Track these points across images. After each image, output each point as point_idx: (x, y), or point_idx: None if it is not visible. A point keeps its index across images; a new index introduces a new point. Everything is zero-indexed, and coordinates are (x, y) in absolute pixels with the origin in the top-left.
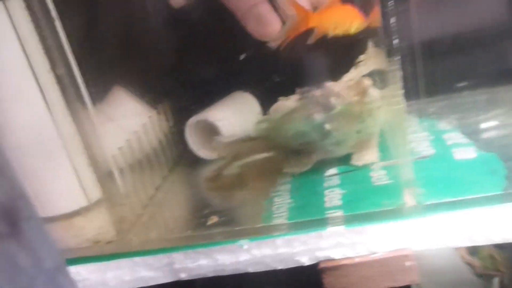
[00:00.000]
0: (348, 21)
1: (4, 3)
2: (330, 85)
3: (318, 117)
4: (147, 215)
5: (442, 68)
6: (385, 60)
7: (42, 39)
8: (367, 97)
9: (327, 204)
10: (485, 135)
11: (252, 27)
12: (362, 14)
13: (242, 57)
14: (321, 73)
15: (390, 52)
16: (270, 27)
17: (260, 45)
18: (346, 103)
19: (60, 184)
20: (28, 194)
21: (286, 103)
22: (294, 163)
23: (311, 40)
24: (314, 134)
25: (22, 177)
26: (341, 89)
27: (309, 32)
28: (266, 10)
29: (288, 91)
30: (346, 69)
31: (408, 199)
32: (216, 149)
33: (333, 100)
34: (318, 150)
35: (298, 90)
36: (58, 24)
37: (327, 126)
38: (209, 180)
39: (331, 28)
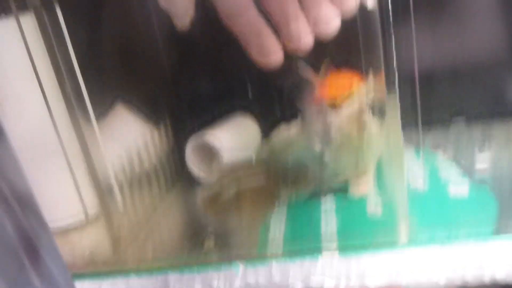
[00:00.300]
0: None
1: (17, 18)
2: (331, 116)
3: (318, 147)
4: (144, 234)
5: (439, 100)
6: (384, 91)
7: (52, 56)
8: (366, 130)
9: (323, 233)
10: (479, 170)
11: (255, 56)
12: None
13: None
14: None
15: (389, 83)
16: (272, 58)
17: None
18: (345, 135)
19: (59, 197)
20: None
21: (287, 132)
22: (291, 190)
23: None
24: (313, 164)
25: None
26: (341, 120)
27: None
28: (269, 40)
29: (288, 117)
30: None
31: (403, 231)
32: (215, 172)
33: (333, 131)
34: (316, 179)
35: (299, 119)
36: (68, 43)
37: (326, 156)
38: (206, 202)
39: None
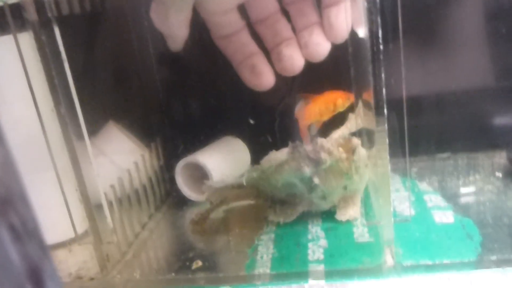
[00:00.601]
0: (331, 104)
1: (15, 36)
2: (321, 141)
3: (308, 170)
4: (132, 253)
5: (425, 130)
6: (373, 120)
7: (48, 74)
8: (356, 155)
9: (310, 257)
10: (463, 200)
11: (246, 78)
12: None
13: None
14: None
15: (378, 112)
16: (264, 79)
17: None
18: (335, 159)
19: (48, 215)
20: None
21: (278, 155)
22: (279, 212)
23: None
24: (302, 187)
25: None
26: (331, 145)
27: None
28: (260, 61)
29: (278, 141)
30: (335, 126)
31: (388, 258)
32: (205, 193)
33: (323, 155)
34: (304, 202)
35: (290, 143)
36: (66, 66)
37: (316, 180)
38: (194, 223)
39: (319, 118)
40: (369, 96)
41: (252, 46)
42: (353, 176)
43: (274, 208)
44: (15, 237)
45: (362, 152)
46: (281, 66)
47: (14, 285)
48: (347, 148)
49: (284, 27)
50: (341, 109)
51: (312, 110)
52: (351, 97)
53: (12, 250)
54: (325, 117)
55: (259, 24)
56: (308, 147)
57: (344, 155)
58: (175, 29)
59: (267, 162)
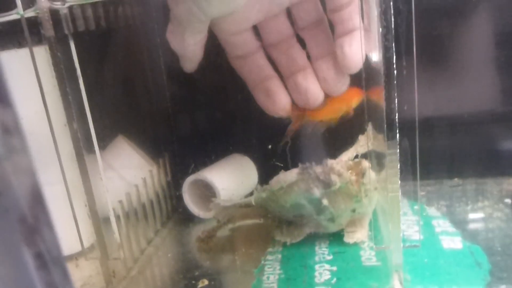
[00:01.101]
0: (346, 102)
1: (31, 50)
2: (331, 162)
3: (317, 192)
4: (137, 269)
5: (434, 155)
6: (384, 143)
7: (64, 94)
8: (365, 178)
9: (317, 280)
10: (472, 226)
11: (262, 102)
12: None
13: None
14: (321, 149)
15: (390, 136)
16: (280, 107)
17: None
18: (345, 182)
19: (56, 228)
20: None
21: (287, 176)
22: (286, 233)
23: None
24: (310, 208)
25: None
26: (341, 167)
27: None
28: (276, 87)
29: (287, 161)
30: (345, 147)
31: (396, 283)
32: (213, 211)
33: (333, 177)
34: (311, 223)
35: (300, 165)
36: (81, 82)
37: (325, 202)
38: (200, 241)
39: (331, 118)
40: (376, 95)
41: (268, 70)
42: (362, 199)
43: (281, 228)
44: (41, 264)
45: (371, 175)
46: (300, 99)
47: None
48: (356, 170)
49: (298, 54)
50: (354, 106)
51: (327, 107)
52: (364, 94)
53: (36, 278)
54: (339, 115)
55: (273, 48)
56: (318, 169)
57: (353, 178)
58: (191, 50)
59: (276, 183)
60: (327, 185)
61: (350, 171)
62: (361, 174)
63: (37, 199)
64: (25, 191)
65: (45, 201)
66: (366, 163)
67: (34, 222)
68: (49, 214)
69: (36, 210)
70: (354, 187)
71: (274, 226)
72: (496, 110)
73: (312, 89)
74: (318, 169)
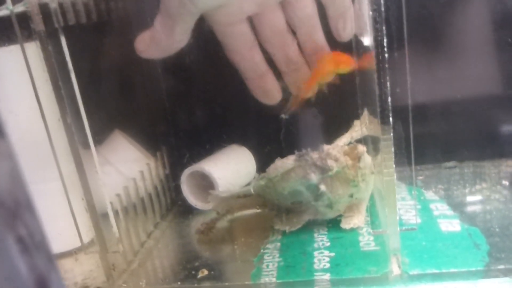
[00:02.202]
0: (334, 66)
1: (21, 46)
2: (327, 148)
3: (314, 178)
4: (138, 262)
5: (431, 138)
6: (379, 128)
7: (55, 83)
8: (362, 163)
9: (316, 266)
10: (470, 209)
11: (257, 94)
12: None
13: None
14: (316, 135)
15: (384, 120)
16: (273, 98)
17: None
18: (341, 166)
19: (54, 224)
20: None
21: (284, 163)
22: (285, 221)
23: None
24: (308, 195)
25: None
26: (337, 152)
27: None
28: (270, 81)
29: (284, 149)
30: (340, 133)
31: (394, 267)
32: (211, 203)
33: (330, 162)
34: (310, 210)
35: (296, 152)
36: (73, 76)
37: (322, 188)
38: (200, 233)
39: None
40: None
41: (264, 67)
42: (360, 183)
43: (280, 217)
44: (23, 249)
45: (367, 159)
46: (297, 93)
47: None
48: (352, 155)
49: (292, 49)
50: (343, 71)
51: (314, 74)
52: (353, 62)
53: (20, 262)
54: (327, 79)
55: (268, 43)
56: (314, 155)
57: (350, 163)
58: (177, 41)
59: (273, 170)
60: (324, 170)
61: (346, 156)
62: (357, 158)
63: (17, 183)
64: (3, 175)
65: (26, 185)
66: (362, 147)
67: (14, 206)
68: (30, 199)
69: (16, 194)
70: (351, 172)
71: (273, 215)
72: (493, 92)
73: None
74: (314, 155)
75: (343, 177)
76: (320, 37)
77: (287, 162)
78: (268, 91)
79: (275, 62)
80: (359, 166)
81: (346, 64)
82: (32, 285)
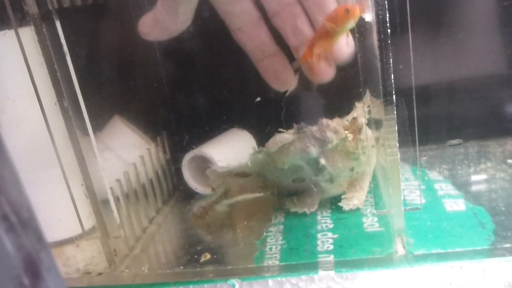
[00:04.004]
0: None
1: (16, 31)
2: (327, 120)
3: (314, 151)
4: (140, 247)
5: (435, 119)
6: (381, 109)
7: (52, 72)
8: (362, 134)
9: (319, 248)
10: (475, 188)
11: (267, 77)
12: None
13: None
14: (317, 115)
15: (387, 102)
16: (285, 80)
17: (260, 84)
18: (341, 138)
19: (55, 211)
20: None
21: (283, 136)
22: (298, 203)
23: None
24: (308, 169)
25: None
26: (337, 124)
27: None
28: (280, 62)
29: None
30: (342, 114)
31: (399, 248)
32: (209, 179)
33: (329, 134)
34: (317, 189)
35: (295, 125)
36: (68, 59)
37: (322, 161)
38: (196, 217)
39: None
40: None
41: (272, 46)
42: (360, 156)
43: (291, 199)
44: (8, 227)
45: (368, 132)
46: (311, 75)
47: (9, 277)
48: (353, 128)
49: (303, 23)
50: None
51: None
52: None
53: (6, 241)
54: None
55: (276, 17)
56: (313, 128)
57: (350, 135)
58: (180, 19)
59: (272, 144)
60: (323, 142)
61: (346, 128)
62: (358, 130)
63: (1, 158)
64: None
65: (11, 162)
66: (362, 120)
67: None
68: (16, 174)
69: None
70: (351, 144)
71: (278, 198)
72: (498, 70)
73: (325, 67)
74: (314, 128)
75: (343, 150)
76: (330, 6)
77: (286, 136)
78: (279, 73)
79: (285, 37)
80: (359, 138)
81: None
82: (20, 264)
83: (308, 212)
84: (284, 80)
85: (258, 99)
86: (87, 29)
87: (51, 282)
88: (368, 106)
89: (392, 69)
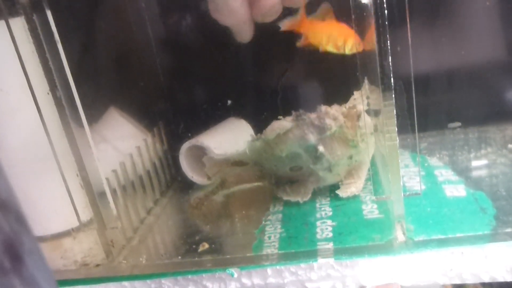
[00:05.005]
0: (342, 38)
1: (6, 22)
2: (325, 107)
3: (312, 138)
4: (138, 238)
5: (435, 104)
6: (380, 96)
7: (43, 60)
8: (361, 121)
9: (319, 236)
10: (475, 174)
11: (255, 13)
12: (358, 36)
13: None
14: (315, 104)
15: (386, 89)
16: (266, 8)
17: (257, 73)
18: (340, 125)
19: (51, 204)
20: (30, 225)
21: (282, 124)
22: (290, 192)
23: (298, 45)
24: (307, 157)
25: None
26: (336, 111)
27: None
28: None
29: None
30: (339, 102)
31: (399, 234)
32: (206, 168)
33: (328, 121)
34: (312, 177)
35: (294, 112)
36: (60, 47)
37: (320, 148)
38: (192, 208)
39: (324, 42)
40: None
41: None
42: (359, 144)
43: (283, 188)
44: None
45: (367, 119)
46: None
47: None
48: (351, 115)
49: None
50: (347, 52)
51: (322, 28)
52: (360, 43)
53: None
54: (329, 49)
55: None
56: (312, 115)
57: (348, 122)
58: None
59: (271, 131)
60: (322, 130)
61: (344, 115)
62: (356, 117)
63: None
64: None
65: None
66: (360, 107)
67: None
68: None
69: None
70: (349, 131)
71: (274, 186)
72: (498, 55)
73: None
74: (312, 115)
75: (342, 137)
76: None
77: (285, 123)
78: (260, 2)
79: None
80: (358, 125)
81: (352, 46)
82: None
83: (301, 201)
84: (267, 9)
85: (229, 102)
86: (78, 17)
87: (33, 266)
88: (368, 97)
89: (390, 52)
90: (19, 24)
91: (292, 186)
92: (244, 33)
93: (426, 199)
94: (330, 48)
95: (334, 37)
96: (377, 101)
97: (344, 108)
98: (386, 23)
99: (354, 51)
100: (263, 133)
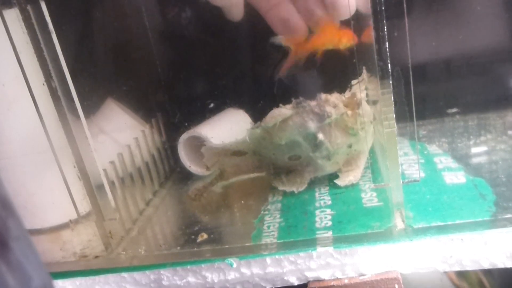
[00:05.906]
0: (337, 37)
1: (0, 13)
2: (326, 95)
3: (312, 125)
4: (137, 230)
5: (434, 92)
6: (378, 85)
7: (38, 51)
8: (360, 109)
9: (318, 225)
10: (475, 160)
11: (276, 27)
12: (354, 34)
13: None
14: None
15: (383, 75)
16: (294, 26)
17: (254, 63)
18: (340, 113)
19: (49, 196)
20: (17, 211)
21: (281, 111)
22: (286, 182)
23: (301, 61)
24: (306, 145)
25: (11, 188)
26: (336, 99)
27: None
28: (287, 10)
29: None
30: (338, 91)
31: (398, 222)
32: (204, 158)
33: (328, 108)
34: (309, 167)
35: (294, 100)
36: (54, 37)
37: (320, 136)
38: (191, 199)
39: (320, 46)
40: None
41: None
42: (359, 131)
43: (280, 178)
44: None
45: (366, 107)
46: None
47: None
48: (351, 103)
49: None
50: (343, 47)
51: (316, 38)
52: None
53: None
54: (327, 47)
55: None
56: (312, 102)
57: (348, 111)
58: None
59: (270, 118)
60: (322, 117)
61: (344, 103)
62: (356, 105)
63: None
64: None
65: None
66: (359, 95)
67: None
68: None
69: None
70: (350, 119)
71: (273, 176)
72: (498, 41)
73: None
74: (312, 102)
75: (342, 126)
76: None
77: (284, 110)
78: (287, 21)
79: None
80: (358, 113)
81: (348, 40)
82: None
83: (296, 191)
84: (293, 28)
85: (212, 105)
86: (76, 7)
87: (19, 252)
88: (366, 88)
89: (386, 37)
90: (13, 15)
91: (289, 176)
92: (234, 13)
93: (425, 186)
94: (328, 47)
95: (329, 39)
96: (375, 91)
97: (343, 97)
98: (383, 8)
99: (348, 45)
100: (263, 121)
